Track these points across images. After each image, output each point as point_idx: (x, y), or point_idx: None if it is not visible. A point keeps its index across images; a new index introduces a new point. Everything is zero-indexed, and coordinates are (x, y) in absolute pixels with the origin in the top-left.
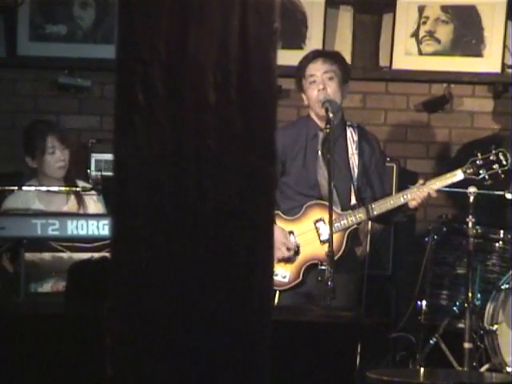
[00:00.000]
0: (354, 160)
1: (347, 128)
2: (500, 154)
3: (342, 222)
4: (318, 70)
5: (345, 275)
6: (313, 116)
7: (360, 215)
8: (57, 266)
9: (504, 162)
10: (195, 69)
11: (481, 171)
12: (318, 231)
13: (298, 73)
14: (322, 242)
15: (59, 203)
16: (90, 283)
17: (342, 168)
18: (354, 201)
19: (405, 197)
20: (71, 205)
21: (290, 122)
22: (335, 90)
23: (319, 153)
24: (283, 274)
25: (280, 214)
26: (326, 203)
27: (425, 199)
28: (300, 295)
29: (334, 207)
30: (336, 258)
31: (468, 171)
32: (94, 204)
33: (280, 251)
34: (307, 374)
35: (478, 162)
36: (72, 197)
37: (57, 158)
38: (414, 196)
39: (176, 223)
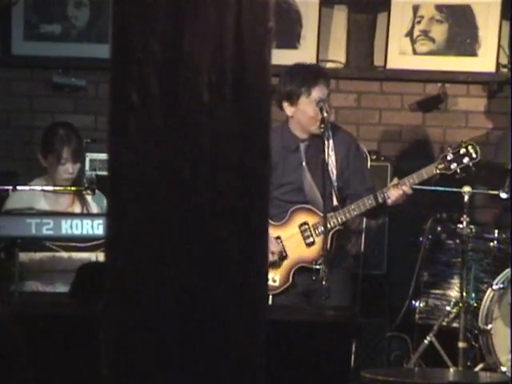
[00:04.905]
0: (331, 162)
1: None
2: (469, 147)
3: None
4: (323, 94)
5: (334, 275)
6: (293, 129)
7: (341, 217)
8: (51, 266)
9: (474, 155)
10: (190, 68)
11: (452, 166)
12: (303, 235)
13: (295, 87)
14: (307, 245)
15: (65, 203)
16: (98, 284)
17: (322, 172)
18: (335, 202)
19: (381, 196)
20: (77, 205)
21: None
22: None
23: (303, 163)
24: (273, 278)
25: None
26: (310, 207)
27: (400, 197)
28: (294, 296)
29: (317, 210)
30: (322, 259)
31: (440, 166)
32: (94, 204)
33: None
34: (302, 373)
35: (448, 156)
36: (77, 197)
37: (66, 169)
38: (389, 195)
39: (170, 223)
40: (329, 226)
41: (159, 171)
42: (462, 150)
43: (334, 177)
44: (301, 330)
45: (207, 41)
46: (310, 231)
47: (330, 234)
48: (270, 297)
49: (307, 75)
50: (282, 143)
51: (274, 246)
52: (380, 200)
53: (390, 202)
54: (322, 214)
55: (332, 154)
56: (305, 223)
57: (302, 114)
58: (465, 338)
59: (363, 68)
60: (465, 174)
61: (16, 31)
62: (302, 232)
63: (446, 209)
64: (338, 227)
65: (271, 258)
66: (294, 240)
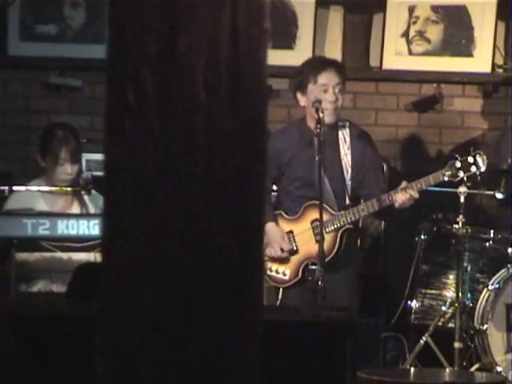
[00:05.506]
0: (346, 160)
1: (339, 129)
2: (477, 157)
3: (335, 223)
4: (331, 80)
5: (341, 273)
6: (308, 120)
7: (350, 216)
8: (47, 266)
9: (480, 165)
10: (185, 69)
11: (459, 173)
12: (314, 231)
13: (304, 75)
14: (318, 242)
15: (64, 204)
16: (96, 284)
17: (337, 169)
18: (347, 201)
19: (390, 198)
20: (75, 206)
21: (283, 127)
22: (341, 103)
23: (317, 158)
24: (284, 271)
25: (282, 213)
26: (324, 204)
27: (407, 201)
28: (304, 290)
29: (329, 208)
30: (330, 256)
31: (447, 173)
32: (91, 205)
33: (273, 249)
34: (298, 373)
35: (456, 164)
36: (76, 198)
37: (64, 170)
38: (396, 198)
39: (166, 223)
40: (338, 224)
41: (155, 171)
42: (470, 159)
43: (348, 176)
44: (296, 330)
45: (203, 41)
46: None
47: (340, 232)
48: (281, 290)
49: (316, 63)
50: (298, 137)
51: (285, 244)
52: (388, 203)
53: (397, 205)
54: (333, 212)
55: (348, 152)
56: (317, 220)
57: (310, 101)
58: (460, 338)
59: (359, 68)
60: (470, 183)
61: (12, 32)
62: (314, 228)
63: (441, 209)
64: (347, 226)
65: (279, 254)
66: (305, 236)
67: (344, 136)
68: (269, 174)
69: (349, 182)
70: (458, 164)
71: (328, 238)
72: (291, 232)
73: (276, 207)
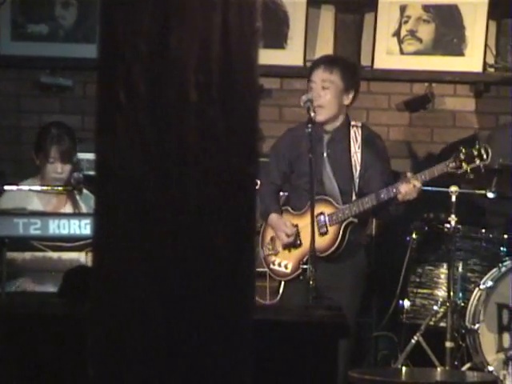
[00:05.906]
0: (356, 158)
1: (351, 128)
2: (482, 149)
3: (339, 215)
4: (317, 77)
5: (343, 267)
6: None
7: (354, 208)
8: (39, 265)
9: (484, 157)
10: (177, 68)
11: (463, 165)
12: (318, 224)
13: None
14: (321, 235)
15: (58, 203)
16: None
17: (345, 167)
18: (354, 198)
19: (394, 190)
20: (69, 205)
21: (297, 124)
22: (329, 99)
23: (324, 155)
24: (286, 265)
25: (289, 208)
26: (329, 198)
27: (410, 191)
28: (305, 285)
29: (334, 203)
30: (332, 249)
31: (451, 165)
32: (83, 205)
33: (280, 239)
34: (290, 373)
35: (461, 155)
36: (70, 197)
37: (54, 168)
38: (400, 189)
39: (158, 223)
40: (342, 217)
41: (146, 171)
42: (475, 152)
43: (356, 173)
44: (288, 330)
45: (194, 40)
46: (325, 221)
47: (343, 225)
48: (282, 283)
49: (314, 62)
50: (309, 134)
51: (288, 229)
52: (392, 194)
53: (400, 196)
54: (339, 206)
55: (358, 151)
56: (321, 213)
57: None
58: (452, 337)
59: None
60: (473, 175)
61: (3, 31)
62: (317, 222)
63: (433, 208)
64: (351, 219)
65: (286, 240)
66: (309, 229)
67: (356, 135)
68: (279, 170)
69: (357, 180)
70: (463, 156)
71: (331, 230)
72: (296, 226)
73: (285, 205)
